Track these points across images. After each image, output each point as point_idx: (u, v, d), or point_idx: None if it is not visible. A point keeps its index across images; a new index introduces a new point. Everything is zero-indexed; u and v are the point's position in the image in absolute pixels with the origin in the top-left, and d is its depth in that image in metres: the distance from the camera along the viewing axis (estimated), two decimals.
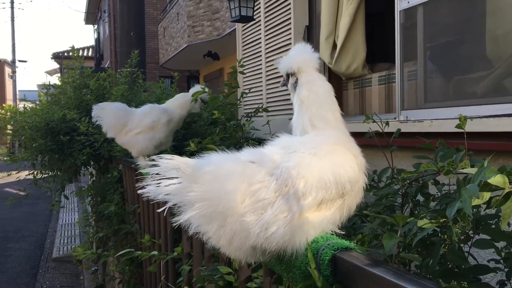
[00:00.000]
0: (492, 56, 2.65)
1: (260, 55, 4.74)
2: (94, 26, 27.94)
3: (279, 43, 4.34)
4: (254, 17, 4.83)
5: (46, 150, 4.34)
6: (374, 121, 2.05)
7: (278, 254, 1.09)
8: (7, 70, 36.55)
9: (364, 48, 3.83)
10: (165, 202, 1.09)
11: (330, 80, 4.15)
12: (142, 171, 2.85)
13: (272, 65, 4.55)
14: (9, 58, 35.25)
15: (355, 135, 1.37)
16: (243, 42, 5.20)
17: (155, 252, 2.23)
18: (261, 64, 4.74)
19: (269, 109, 4.29)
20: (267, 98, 4.59)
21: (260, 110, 3.99)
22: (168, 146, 2.83)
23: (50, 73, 32.68)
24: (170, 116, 2.70)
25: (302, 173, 1.09)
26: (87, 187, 4.93)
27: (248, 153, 1.21)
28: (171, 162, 1.08)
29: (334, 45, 3.91)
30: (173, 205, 1.09)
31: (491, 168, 1.00)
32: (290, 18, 4.17)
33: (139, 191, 1.13)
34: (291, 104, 4.07)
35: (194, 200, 1.05)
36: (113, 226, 3.66)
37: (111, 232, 3.76)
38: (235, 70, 4.07)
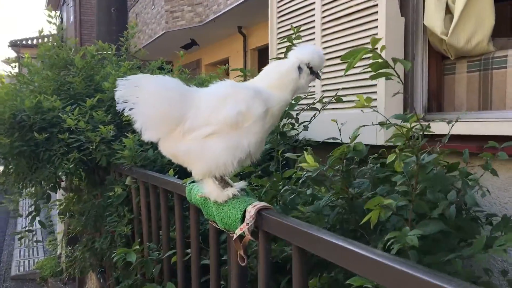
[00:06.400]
0: None
1: (313, 26, 3.48)
2: (56, 12, 25.83)
3: (351, 6, 3.09)
4: None
5: (12, 154, 2.95)
6: None
7: None
8: None
9: (492, 14, 2.65)
10: None
11: (429, 59, 2.94)
12: (207, 210, 1.54)
13: (332, 39, 3.31)
14: None
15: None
16: (280, 9, 3.91)
17: None
18: (314, 39, 3.49)
19: (324, 100, 3.07)
20: (324, 85, 3.35)
21: (332, 100, 2.78)
22: (257, 158, 1.52)
23: (7, 62, 30.28)
24: (268, 103, 1.43)
25: None
26: (65, 203, 3.56)
27: None
28: None
29: (448, 9, 2.71)
30: None
31: None
32: None
33: None
34: (361, 93, 2.88)
35: None
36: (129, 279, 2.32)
37: None
38: (291, 42, 2.88)
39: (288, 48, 2.81)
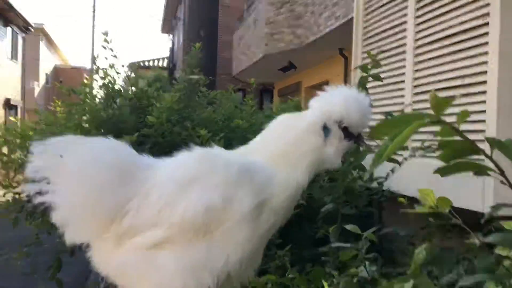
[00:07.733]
0: None
1: (403, 51, 2.78)
2: (169, 35, 27.00)
3: (454, 25, 2.36)
4: None
5: None
6: None
7: None
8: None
9: None
10: None
11: None
12: None
13: (428, 67, 2.59)
14: (88, 66, 35.87)
15: None
16: (366, 30, 3.26)
17: None
18: (403, 67, 2.79)
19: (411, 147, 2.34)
20: None
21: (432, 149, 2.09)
22: (251, 276, 0.94)
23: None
24: (263, 192, 0.84)
25: None
26: None
27: None
28: None
29: None
30: None
31: None
32: None
33: None
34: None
35: None
36: None
37: None
38: (367, 72, 2.20)
39: (362, 82, 2.16)
